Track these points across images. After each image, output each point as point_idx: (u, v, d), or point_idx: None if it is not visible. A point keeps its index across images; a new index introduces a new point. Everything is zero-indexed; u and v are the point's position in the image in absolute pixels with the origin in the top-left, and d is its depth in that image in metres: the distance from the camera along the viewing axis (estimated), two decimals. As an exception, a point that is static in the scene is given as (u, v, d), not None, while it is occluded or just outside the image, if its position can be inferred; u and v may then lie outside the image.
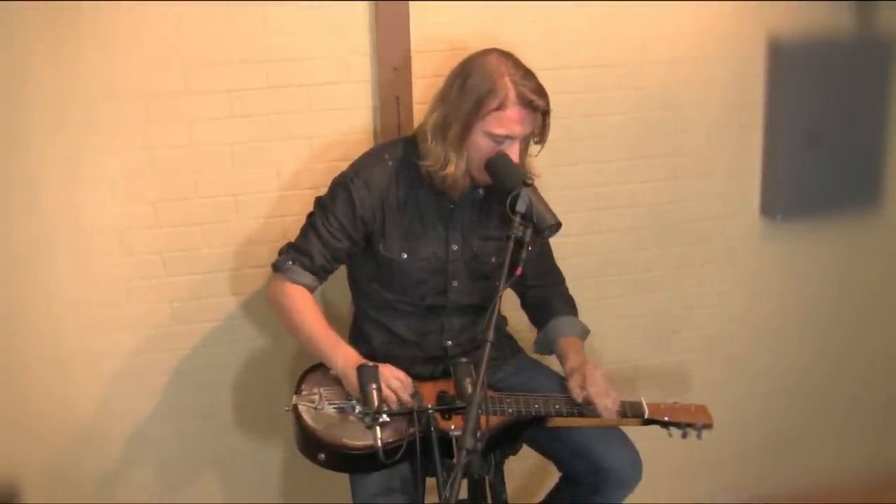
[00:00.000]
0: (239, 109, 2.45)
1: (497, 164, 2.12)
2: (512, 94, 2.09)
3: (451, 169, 2.15)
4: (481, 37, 2.43)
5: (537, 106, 2.11)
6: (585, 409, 2.21)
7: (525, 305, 2.49)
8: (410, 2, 2.48)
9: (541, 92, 2.12)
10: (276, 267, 2.27)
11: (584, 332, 2.41)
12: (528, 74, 2.13)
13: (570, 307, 2.44)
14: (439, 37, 2.52)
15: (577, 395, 2.20)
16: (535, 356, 2.49)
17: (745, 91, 2.84)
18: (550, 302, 2.42)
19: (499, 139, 2.12)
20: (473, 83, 2.11)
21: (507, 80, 2.09)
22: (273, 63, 2.44)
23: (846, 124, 2.86)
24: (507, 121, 2.10)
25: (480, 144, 2.13)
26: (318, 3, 2.43)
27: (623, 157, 2.79)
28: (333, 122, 2.53)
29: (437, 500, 1.87)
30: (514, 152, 2.13)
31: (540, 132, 2.18)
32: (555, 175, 2.61)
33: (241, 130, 2.47)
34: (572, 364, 2.27)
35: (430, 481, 2.13)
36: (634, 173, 2.81)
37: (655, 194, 2.84)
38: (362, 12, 2.47)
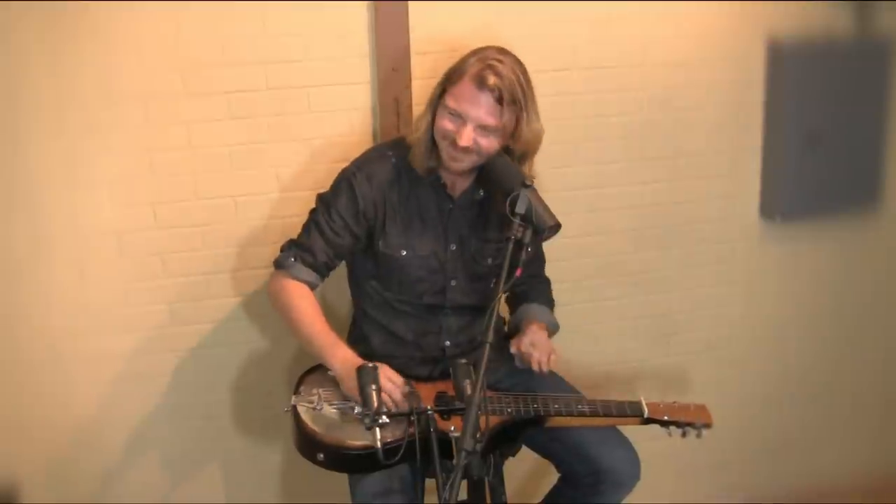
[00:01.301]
0: (238, 111, 2.45)
1: (496, 166, 2.12)
2: (472, 70, 2.06)
3: (416, 141, 2.16)
4: (481, 38, 2.41)
5: (489, 85, 2.04)
6: (587, 407, 2.21)
7: (507, 300, 2.48)
8: (410, 3, 2.48)
9: (500, 74, 2.05)
10: (279, 264, 2.26)
11: (554, 325, 2.39)
12: (504, 61, 2.06)
13: (548, 300, 2.44)
14: (438, 38, 2.51)
15: (512, 347, 2.23)
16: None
17: (745, 93, 2.84)
18: (529, 293, 2.43)
19: (454, 115, 2.08)
20: (449, 66, 2.12)
21: (475, 58, 2.08)
22: (272, 64, 2.44)
23: (845, 126, 2.86)
24: (459, 95, 2.07)
25: (441, 125, 2.11)
26: (318, 4, 2.43)
27: (623, 159, 2.78)
28: (332, 124, 2.53)
29: (436, 501, 1.86)
30: (465, 136, 2.07)
31: (513, 130, 2.12)
32: (554, 176, 2.61)
33: (240, 132, 2.47)
34: (523, 330, 2.29)
35: (430, 482, 2.13)
36: (634, 175, 2.81)
37: (655, 196, 2.84)
38: (361, 13, 2.47)
